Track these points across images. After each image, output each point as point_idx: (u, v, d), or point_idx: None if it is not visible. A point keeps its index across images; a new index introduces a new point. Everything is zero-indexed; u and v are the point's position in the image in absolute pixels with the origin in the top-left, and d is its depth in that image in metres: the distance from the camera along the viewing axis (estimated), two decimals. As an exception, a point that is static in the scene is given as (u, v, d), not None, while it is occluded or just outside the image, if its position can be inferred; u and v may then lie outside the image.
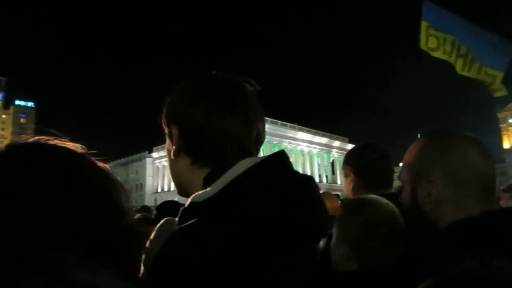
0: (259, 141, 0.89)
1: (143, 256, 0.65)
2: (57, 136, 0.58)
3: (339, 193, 8.68)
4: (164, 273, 0.61)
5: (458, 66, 4.70)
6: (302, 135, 63.81)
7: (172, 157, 0.87)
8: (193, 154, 0.83)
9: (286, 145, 57.64)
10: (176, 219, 0.76)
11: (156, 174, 68.22)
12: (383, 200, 1.34)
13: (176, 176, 0.89)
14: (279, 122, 59.34)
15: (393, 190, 1.87)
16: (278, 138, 57.09)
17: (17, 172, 0.48)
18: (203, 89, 0.86)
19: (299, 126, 64.53)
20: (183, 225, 0.68)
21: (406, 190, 1.05)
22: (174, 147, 0.85)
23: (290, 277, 0.71)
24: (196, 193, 0.75)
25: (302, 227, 0.74)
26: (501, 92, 4.83)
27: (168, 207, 3.27)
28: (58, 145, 0.57)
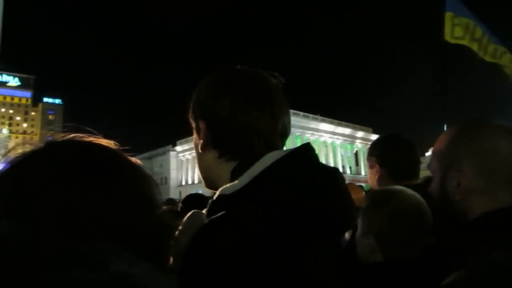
0: (285, 134, 0.90)
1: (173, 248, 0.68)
2: (91, 133, 0.61)
3: (363, 184, 8.60)
4: (196, 264, 0.63)
5: (485, 53, 4.71)
6: (325, 126, 63.17)
7: (200, 150, 0.89)
8: (220, 148, 0.85)
9: (309, 137, 57.31)
10: (203, 211, 0.77)
11: (180, 168, 69.11)
12: (410, 191, 1.32)
13: (203, 169, 0.91)
14: (301, 113, 58.95)
15: (419, 181, 1.84)
16: (300, 130, 56.78)
17: (57, 168, 0.51)
18: (229, 84, 0.87)
19: (321, 117, 63.89)
20: (213, 217, 0.69)
21: (436, 179, 1.03)
22: (201, 141, 0.87)
23: (320, 268, 0.72)
24: (224, 186, 0.76)
25: (329, 219, 0.74)
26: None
27: (194, 200, 3.35)
28: (93, 142, 0.59)
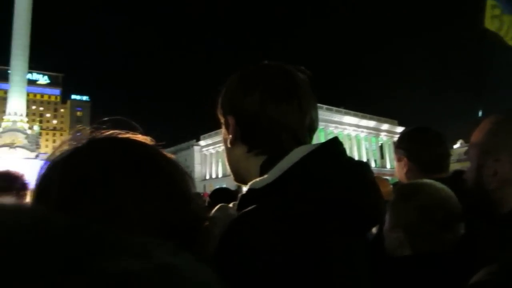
0: (313, 128, 0.91)
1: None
2: (131, 125, 0.64)
3: (389, 178, 8.46)
4: (230, 256, 0.65)
5: None
6: (349, 119, 62.18)
7: (229, 145, 0.90)
8: (249, 143, 0.87)
9: (332, 130, 56.58)
10: (230, 205, 0.79)
11: (204, 162, 69.72)
12: (439, 184, 1.31)
13: (232, 163, 0.93)
14: (324, 106, 58.21)
15: (449, 175, 1.80)
16: (323, 123, 55.99)
17: (101, 164, 0.54)
18: (257, 79, 0.88)
19: (345, 110, 62.92)
20: (244, 210, 0.71)
21: (472, 167, 1.02)
22: (230, 136, 0.89)
23: (353, 263, 0.73)
24: (254, 180, 0.78)
25: (361, 214, 0.75)
26: None
27: (221, 194, 3.42)
28: (131, 138, 0.62)
